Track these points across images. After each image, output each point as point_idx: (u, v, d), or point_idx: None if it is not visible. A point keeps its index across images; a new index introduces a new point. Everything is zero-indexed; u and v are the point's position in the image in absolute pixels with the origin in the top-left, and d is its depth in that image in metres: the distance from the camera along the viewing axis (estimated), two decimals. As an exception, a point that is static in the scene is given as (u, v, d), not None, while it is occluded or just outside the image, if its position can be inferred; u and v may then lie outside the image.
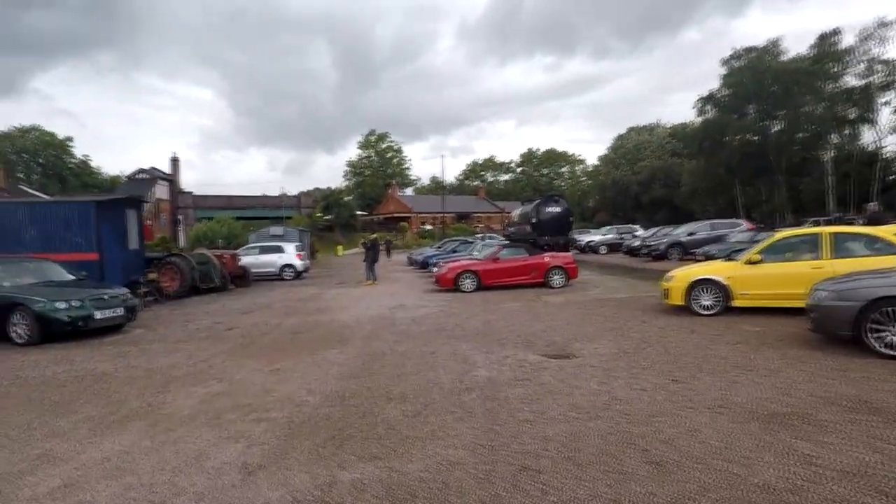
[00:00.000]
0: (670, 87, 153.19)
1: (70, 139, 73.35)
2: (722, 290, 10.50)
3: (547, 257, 17.29)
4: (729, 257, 12.12)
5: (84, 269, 13.59)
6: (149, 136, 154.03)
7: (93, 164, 75.40)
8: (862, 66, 36.68)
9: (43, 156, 70.95)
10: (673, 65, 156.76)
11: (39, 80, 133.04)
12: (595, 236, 39.65)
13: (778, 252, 10.32)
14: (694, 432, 4.68)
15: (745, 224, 26.42)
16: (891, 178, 37.72)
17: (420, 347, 8.85)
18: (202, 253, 19.95)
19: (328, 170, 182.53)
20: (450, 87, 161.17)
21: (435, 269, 20.01)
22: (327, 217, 65.23)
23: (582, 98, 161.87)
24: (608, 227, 42.13)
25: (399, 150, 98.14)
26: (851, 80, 37.85)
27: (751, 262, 10.34)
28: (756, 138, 43.25)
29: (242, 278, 21.98)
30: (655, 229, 32.58)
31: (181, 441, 4.96)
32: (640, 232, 38.24)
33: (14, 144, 69.32)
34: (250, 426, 5.29)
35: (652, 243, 27.27)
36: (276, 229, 36.51)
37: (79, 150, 74.83)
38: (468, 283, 16.85)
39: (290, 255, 25.55)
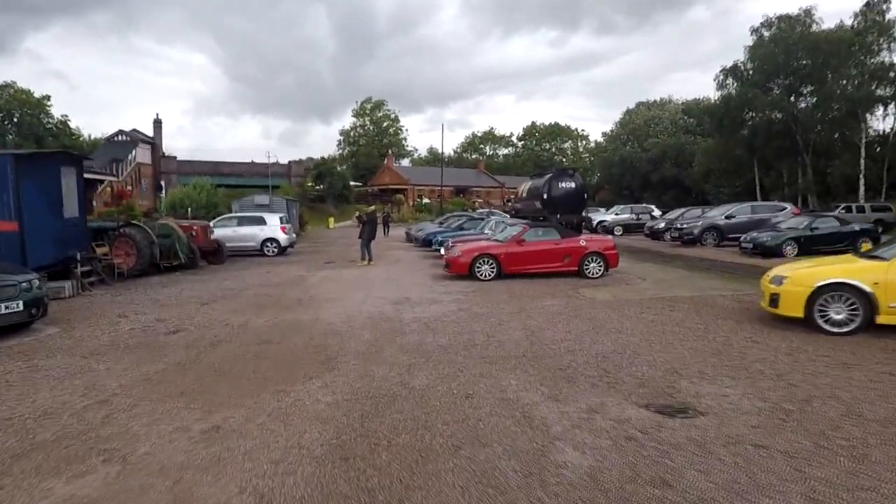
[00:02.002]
0: (675, 66, 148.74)
1: (48, 98, 68.28)
2: (863, 300, 7.46)
3: (583, 241, 14.18)
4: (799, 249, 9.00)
5: (-1, 243, 10.46)
6: (143, 100, 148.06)
7: (73, 125, 70.88)
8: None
9: (19, 115, 66.34)
10: (679, 43, 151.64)
11: (32, 39, 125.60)
12: (608, 216, 36.43)
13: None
14: None
15: (790, 208, 23.37)
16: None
17: (447, 382, 5.80)
18: (165, 224, 16.65)
19: (324, 139, 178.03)
20: (450, 60, 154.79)
21: (443, 251, 16.90)
22: (319, 187, 61.53)
23: (584, 74, 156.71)
24: (621, 206, 38.83)
25: (395, 119, 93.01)
26: (896, 56, 34.76)
27: (912, 262, 7.30)
28: (780, 116, 39.91)
29: (216, 254, 18.75)
30: (682, 210, 29.34)
31: None
32: (657, 212, 35.27)
33: (-12, 102, 64.76)
34: None
35: (683, 226, 24.17)
36: (262, 198, 33.04)
37: (70, 112, 70.40)
38: (486, 270, 13.77)
39: (274, 227, 22.21)
